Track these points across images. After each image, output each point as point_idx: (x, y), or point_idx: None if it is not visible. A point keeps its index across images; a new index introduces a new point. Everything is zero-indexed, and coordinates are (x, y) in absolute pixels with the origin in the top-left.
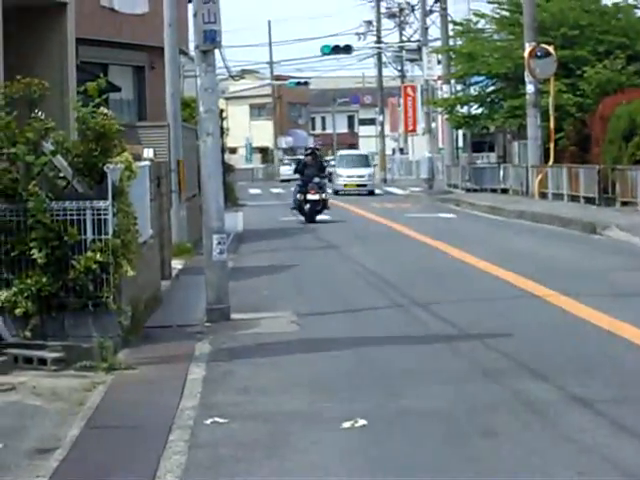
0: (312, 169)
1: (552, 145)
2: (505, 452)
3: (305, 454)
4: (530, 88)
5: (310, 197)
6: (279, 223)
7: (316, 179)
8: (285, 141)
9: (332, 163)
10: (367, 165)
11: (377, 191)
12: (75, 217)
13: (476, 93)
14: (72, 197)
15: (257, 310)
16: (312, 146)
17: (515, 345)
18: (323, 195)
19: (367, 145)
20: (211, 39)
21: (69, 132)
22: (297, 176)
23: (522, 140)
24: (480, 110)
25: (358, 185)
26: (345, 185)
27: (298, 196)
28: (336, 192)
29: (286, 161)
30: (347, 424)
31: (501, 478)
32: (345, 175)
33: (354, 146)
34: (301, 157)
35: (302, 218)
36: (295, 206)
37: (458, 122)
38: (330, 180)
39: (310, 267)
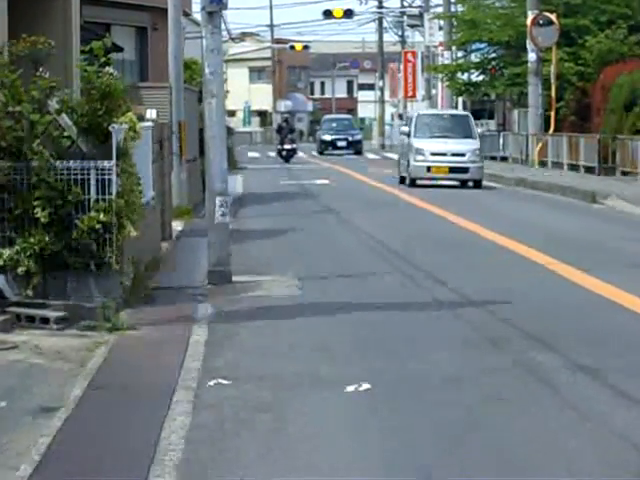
0: (286, 130)
1: (553, 114)
2: (510, 419)
3: (309, 417)
4: (532, 56)
5: (286, 147)
6: (279, 187)
7: (289, 136)
8: (284, 105)
9: (317, 128)
10: (469, 134)
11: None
12: (79, 177)
13: (477, 60)
14: (76, 156)
15: (258, 273)
16: (285, 116)
17: (518, 313)
18: (294, 145)
19: (366, 111)
20: (217, 0)
21: (72, 92)
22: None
23: (522, 108)
24: (481, 77)
25: (453, 169)
26: (430, 169)
27: (279, 147)
28: (412, 182)
29: None
30: (351, 388)
31: (508, 445)
32: (428, 152)
33: (352, 111)
34: (280, 122)
35: (282, 160)
36: (277, 153)
37: (458, 89)
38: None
39: (311, 231)
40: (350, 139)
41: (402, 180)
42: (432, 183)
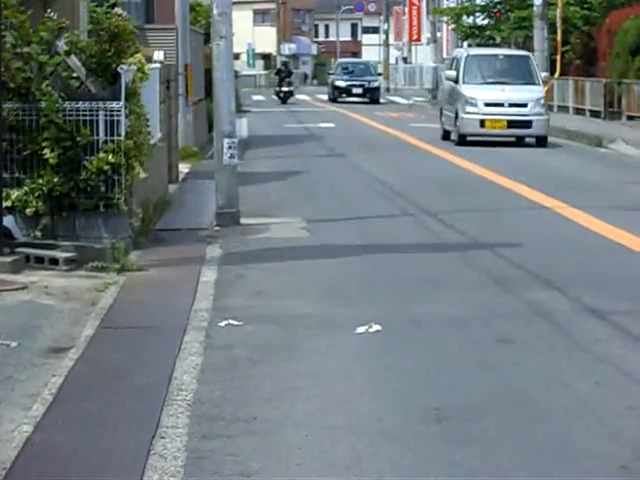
0: (284, 73)
1: (558, 57)
2: (521, 360)
3: (320, 357)
4: (537, 0)
5: (284, 89)
6: (284, 130)
7: (287, 79)
8: (288, 48)
9: (331, 72)
10: (530, 79)
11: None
12: (88, 118)
13: (483, 3)
14: (85, 97)
15: (266, 215)
16: (284, 60)
17: (526, 255)
18: (291, 88)
19: (370, 54)
20: None
21: (80, 33)
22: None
23: (528, 52)
24: (486, 21)
25: (513, 123)
26: (484, 124)
27: (276, 89)
28: (462, 138)
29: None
30: (361, 329)
31: (519, 386)
32: (482, 101)
33: (357, 55)
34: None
35: (279, 100)
36: (275, 94)
37: (464, 32)
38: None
39: (317, 174)
40: (367, 86)
41: (446, 135)
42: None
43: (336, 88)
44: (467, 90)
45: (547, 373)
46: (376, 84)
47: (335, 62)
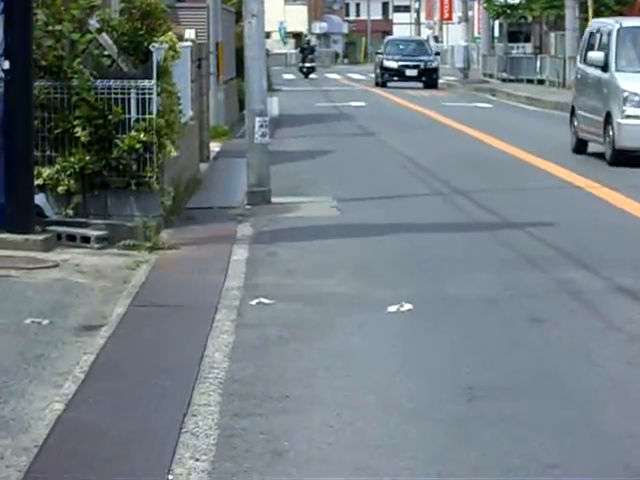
0: (308, 51)
1: None
2: (553, 339)
3: (352, 336)
4: None
5: (307, 65)
6: (314, 109)
7: (309, 56)
8: (319, 26)
9: (379, 51)
10: None
11: None
12: (119, 96)
13: None
14: (117, 76)
15: (297, 194)
16: (308, 38)
17: (559, 235)
18: (313, 64)
19: (401, 33)
20: None
21: (112, 11)
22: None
23: (559, 31)
24: (518, 0)
25: None
26: None
27: (300, 64)
28: (617, 156)
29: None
30: (393, 308)
31: (550, 365)
32: None
33: (387, 33)
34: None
35: (302, 75)
36: (299, 69)
37: (496, 11)
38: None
39: (348, 153)
40: (422, 66)
41: (580, 146)
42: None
43: (385, 70)
44: (625, 81)
45: (579, 353)
46: (434, 64)
47: (385, 39)
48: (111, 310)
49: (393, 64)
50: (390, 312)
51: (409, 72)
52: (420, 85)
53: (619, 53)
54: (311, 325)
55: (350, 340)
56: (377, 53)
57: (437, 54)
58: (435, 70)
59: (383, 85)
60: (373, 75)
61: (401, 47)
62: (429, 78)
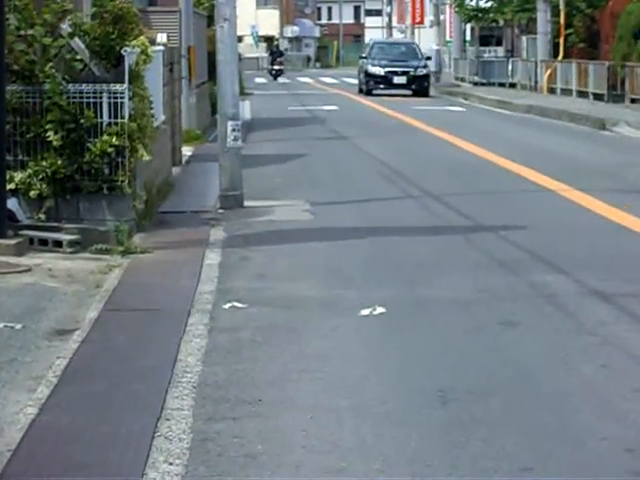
0: (277, 54)
1: (562, 40)
2: (527, 343)
3: (325, 339)
4: None
5: (275, 67)
6: (287, 112)
7: (278, 59)
8: (291, 30)
9: (363, 55)
10: None
11: None
12: (92, 100)
13: None
14: (89, 80)
15: (269, 198)
16: (276, 43)
17: (530, 238)
18: (282, 67)
19: (373, 37)
20: None
21: (84, 15)
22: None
23: (530, 35)
24: (489, 3)
25: None
26: None
27: (269, 67)
28: None
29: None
30: (366, 311)
31: (524, 368)
32: None
33: (359, 37)
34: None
35: (272, 77)
36: (269, 72)
37: (467, 15)
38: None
39: (321, 157)
40: (412, 73)
41: None
42: None
43: (371, 77)
44: None
45: (552, 355)
46: (425, 71)
47: (369, 42)
48: (84, 314)
49: (379, 70)
50: (363, 315)
51: (397, 79)
52: (409, 93)
53: None
54: (284, 329)
55: (323, 343)
56: (361, 57)
57: (428, 59)
58: (426, 77)
59: (368, 93)
60: (354, 81)
61: (388, 51)
62: (419, 86)
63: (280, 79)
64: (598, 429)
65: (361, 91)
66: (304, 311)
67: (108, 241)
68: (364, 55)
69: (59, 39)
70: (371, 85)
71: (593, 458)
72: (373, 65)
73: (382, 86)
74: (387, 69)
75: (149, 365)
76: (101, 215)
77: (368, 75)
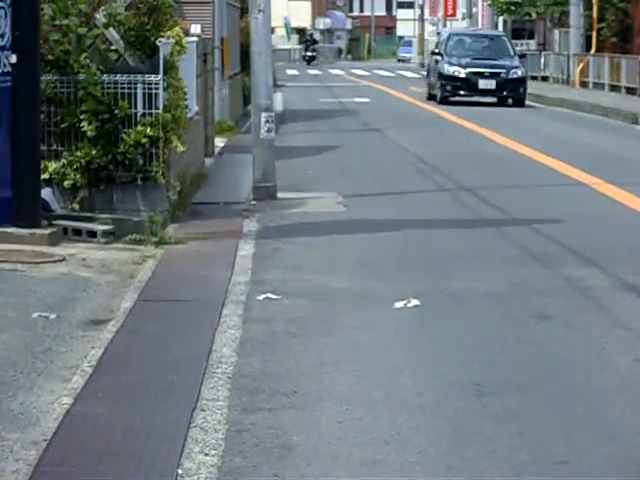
0: (310, 42)
1: (594, 34)
2: (561, 336)
3: (360, 332)
4: None
5: (309, 54)
6: (318, 104)
7: (312, 46)
8: (323, 22)
9: (436, 50)
10: None
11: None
12: (126, 90)
13: None
14: (123, 70)
15: (302, 190)
16: (310, 32)
17: (564, 232)
18: (314, 53)
19: (404, 29)
20: None
21: (119, 5)
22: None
23: (563, 28)
24: None
25: None
26: None
27: (303, 53)
28: None
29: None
30: (399, 304)
31: (558, 362)
32: None
33: (391, 29)
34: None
35: (305, 63)
36: (302, 57)
37: (500, 8)
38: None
39: (353, 149)
40: (504, 75)
41: None
42: None
43: (448, 79)
44: None
45: (587, 349)
46: (520, 72)
47: (443, 33)
48: (118, 304)
49: (460, 71)
50: (397, 308)
51: (484, 83)
52: (498, 101)
53: None
54: (318, 320)
55: (357, 336)
56: (433, 53)
57: (523, 56)
58: (522, 81)
59: (443, 101)
60: (386, 73)
61: (470, 45)
62: (514, 92)
63: (312, 71)
64: (632, 423)
65: (431, 98)
66: (338, 303)
67: (142, 232)
68: (437, 50)
69: (94, 29)
70: (448, 90)
71: (627, 452)
72: (451, 64)
73: (463, 92)
74: (470, 69)
75: (184, 356)
76: (135, 206)
77: (444, 77)
